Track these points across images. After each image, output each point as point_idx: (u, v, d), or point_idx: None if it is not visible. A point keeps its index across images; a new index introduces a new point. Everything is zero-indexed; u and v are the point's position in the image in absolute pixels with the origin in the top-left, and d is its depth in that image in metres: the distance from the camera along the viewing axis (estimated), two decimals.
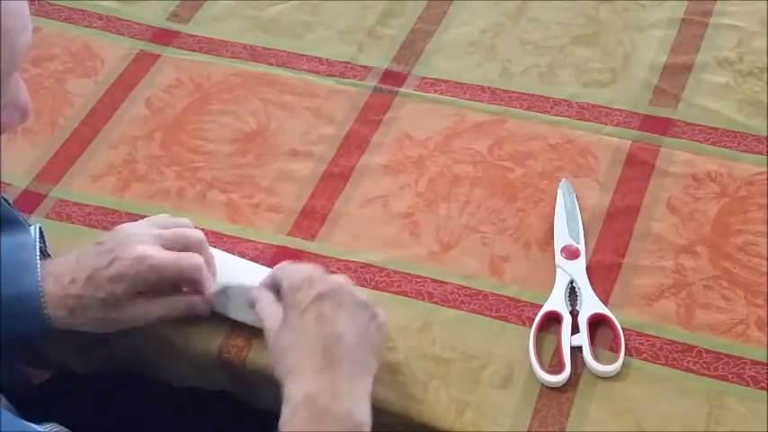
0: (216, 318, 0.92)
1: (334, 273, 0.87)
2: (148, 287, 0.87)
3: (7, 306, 0.84)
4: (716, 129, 1.03)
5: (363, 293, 0.84)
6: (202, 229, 0.94)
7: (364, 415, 0.78)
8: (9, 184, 1.07)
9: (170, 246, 0.89)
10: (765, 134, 1.02)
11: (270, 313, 0.84)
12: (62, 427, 0.84)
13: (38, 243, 0.89)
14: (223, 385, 0.95)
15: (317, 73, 1.15)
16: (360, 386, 0.79)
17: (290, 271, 0.85)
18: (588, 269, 0.93)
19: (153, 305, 0.89)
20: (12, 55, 0.64)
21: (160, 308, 0.89)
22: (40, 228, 0.91)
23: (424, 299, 0.93)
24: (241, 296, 0.90)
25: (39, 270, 0.86)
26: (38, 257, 0.87)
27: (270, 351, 0.83)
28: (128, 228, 0.91)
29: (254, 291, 0.87)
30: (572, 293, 0.91)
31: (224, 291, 0.91)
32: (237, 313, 0.91)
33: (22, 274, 0.86)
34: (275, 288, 0.86)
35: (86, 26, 1.23)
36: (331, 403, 0.77)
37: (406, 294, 0.94)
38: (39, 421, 0.81)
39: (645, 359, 0.87)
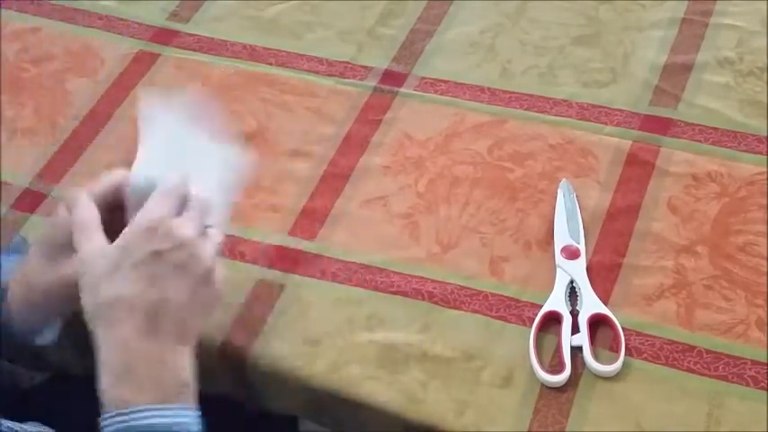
0: (217, 316, 0.92)
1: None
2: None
3: None
4: (716, 129, 1.03)
5: (209, 257, 0.78)
6: None
7: (187, 376, 0.76)
8: (10, 184, 1.07)
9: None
10: (766, 134, 1.02)
11: (87, 238, 0.79)
12: (46, 428, 0.84)
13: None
14: (224, 386, 0.95)
15: (316, 73, 1.15)
16: (183, 350, 0.77)
17: (142, 209, 0.79)
18: (588, 269, 0.93)
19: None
20: None
21: None
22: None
23: (424, 299, 0.93)
24: None
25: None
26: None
27: (81, 288, 0.78)
28: None
29: (77, 194, 0.82)
30: (572, 293, 0.91)
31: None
32: None
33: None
34: (111, 200, 0.82)
35: (86, 26, 1.23)
36: (152, 370, 0.75)
37: (406, 295, 0.94)
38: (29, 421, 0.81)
39: (645, 359, 0.87)
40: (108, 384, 0.75)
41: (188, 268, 0.77)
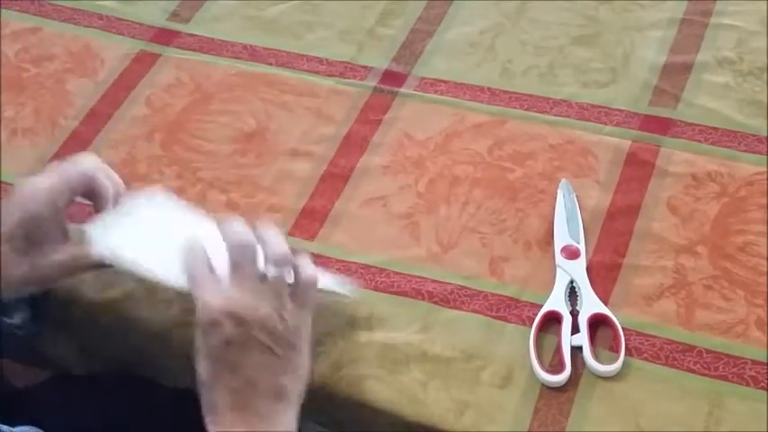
0: None
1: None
2: (47, 211, 0.86)
3: None
4: (716, 129, 1.03)
5: (278, 323, 0.79)
6: None
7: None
8: (10, 184, 1.07)
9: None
10: (765, 134, 1.02)
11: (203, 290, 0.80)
12: (38, 430, 0.84)
13: None
14: None
15: (317, 73, 1.15)
16: (280, 418, 0.78)
17: (202, 301, 0.79)
18: (588, 269, 0.93)
19: (63, 248, 0.87)
20: None
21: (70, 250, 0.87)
22: None
23: (424, 299, 0.93)
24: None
25: None
26: None
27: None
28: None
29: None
30: (572, 293, 0.91)
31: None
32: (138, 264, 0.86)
33: None
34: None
35: (86, 26, 1.23)
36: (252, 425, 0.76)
37: (406, 294, 0.94)
38: (25, 423, 0.81)
39: (645, 359, 0.87)
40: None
41: (262, 345, 0.78)
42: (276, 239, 0.82)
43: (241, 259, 0.80)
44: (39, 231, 0.86)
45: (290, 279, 0.82)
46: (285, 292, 0.81)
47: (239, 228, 0.82)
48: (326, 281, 0.90)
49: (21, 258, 0.85)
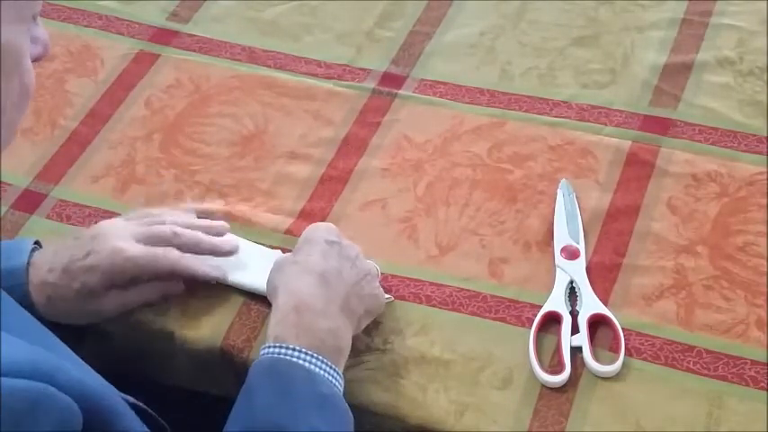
0: (217, 317, 0.92)
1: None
2: (123, 280, 0.91)
3: None
4: (716, 129, 1.03)
5: (372, 268, 0.90)
6: None
7: (345, 342, 0.84)
8: (10, 184, 1.07)
9: (145, 241, 0.92)
10: (765, 134, 1.02)
11: None
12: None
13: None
14: (226, 387, 0.95)
15: (315, 75, 1.14)
16: (346, 320, 0.84)
17: (317, 223, 0.94)
18: (588, 269, 0.93)
19: (127, 295, 0.92)
20: None
21: (134, 297, 0.92)
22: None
23: (422, 302, 0.93)
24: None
25: (29, 252, 0.91)
26: (31, 244, 0.92)
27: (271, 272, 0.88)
28: (105, 223, 0.94)
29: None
30: (572, 294, 0.91)
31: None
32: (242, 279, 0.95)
33: (14, 255, 0.91)
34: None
35: (86, 26, 1.23)
36: (316, 320, 0.82)
37: (404, 297, 0.93)
38: None
39: (645, 359, 0.87)
40: (273, 324, 0.82)
41: (354, 261, 0.88)
42: None
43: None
44: (109, 285, 0.90)
45: None
46: None
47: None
48: None
49: (85, 297, 0.90)
